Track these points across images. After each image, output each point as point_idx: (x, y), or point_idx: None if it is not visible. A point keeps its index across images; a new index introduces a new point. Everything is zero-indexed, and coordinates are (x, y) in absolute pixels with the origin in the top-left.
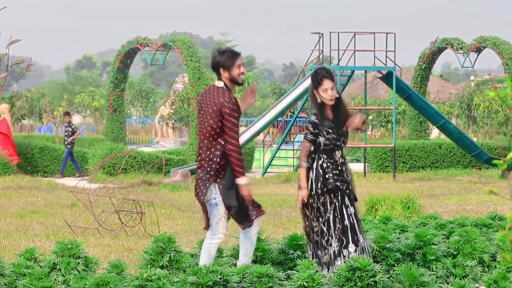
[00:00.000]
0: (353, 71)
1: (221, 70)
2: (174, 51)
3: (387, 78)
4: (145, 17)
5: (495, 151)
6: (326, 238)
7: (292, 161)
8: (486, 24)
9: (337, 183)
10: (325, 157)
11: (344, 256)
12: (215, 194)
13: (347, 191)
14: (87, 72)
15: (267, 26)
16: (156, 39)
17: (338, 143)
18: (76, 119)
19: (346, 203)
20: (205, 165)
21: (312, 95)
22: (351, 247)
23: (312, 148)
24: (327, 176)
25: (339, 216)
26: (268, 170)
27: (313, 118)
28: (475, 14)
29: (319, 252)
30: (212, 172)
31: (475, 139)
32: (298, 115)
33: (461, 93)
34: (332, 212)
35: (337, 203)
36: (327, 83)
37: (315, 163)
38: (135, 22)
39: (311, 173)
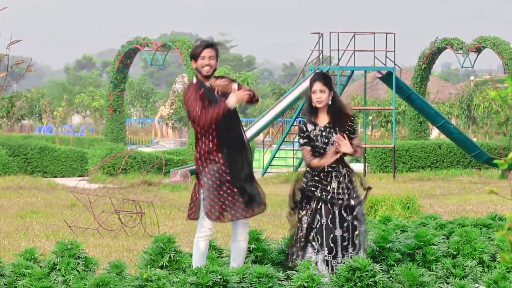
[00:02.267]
0: (353, 71)
1: (192, 62)
2: (173, 51)
3: (387, 78)
4: (145, 17)
5: (495, 151)
6: (301, 244)
7: (292, 161)
8: (486, 24)
9: (312, 189)
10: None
11: (317, 262)
12: (200, 189)
13: (327, 199)
14: (87, 72)
15: (267, 26)
16: (156, 39)
17: (322, 151)
18: (76, 119)
19: (322, 212)
20: (194, 161)
21: (307, 99)
22: (309, 255)
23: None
24: (304, 180)
25: (310, 222)
26: (268, 170)
27: (301, 123)
28: (475, 14)
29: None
30: (197, 168)
31: (475, 139)
32: (298, 115)
33: (461, 93)
34: (306, 217)
35: (308, 209)
36: (316, 85)
37: (305, 171)
38: (135, 22)
39: (298, 179)
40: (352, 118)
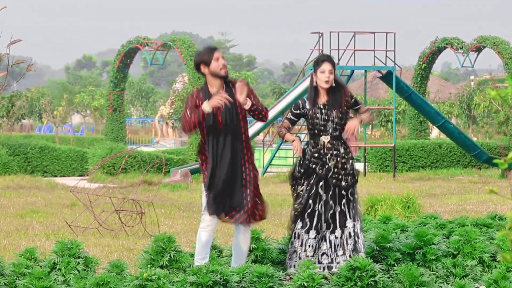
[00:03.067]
0: (353, 71)
1: (202, 67)
2: (174, 50)
3: (387, 77)
4: (145, 17)
5: (495, 151)
6: (295, 218)
7: (292, 161)
8: (486, 24)
9: (313, 166)
10: (311, 141)
11: (302, 240)
12: (203, 184)
13: (327, 177)
14: (87, 72)
15: (267, 26)
16: (156, 39)
17: (323, 128)
18: (76, 118)
19: (320, 190)
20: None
21: (310, 80)
22: (312, 233)
23: (290, 125)
24: (306, 157)
25: (311, 200)
26: (268, 169)
27: (300, 100)
28: (475, 14)
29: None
30: (199, 166)
31: (475, 139)
32: None
33: (461, 93)
34: (306, 194)
35: (309, 186)
36: (326, 65)
37: (304, 149)
38: (135, 22)
39: (300, 158)
40: (351, 94)
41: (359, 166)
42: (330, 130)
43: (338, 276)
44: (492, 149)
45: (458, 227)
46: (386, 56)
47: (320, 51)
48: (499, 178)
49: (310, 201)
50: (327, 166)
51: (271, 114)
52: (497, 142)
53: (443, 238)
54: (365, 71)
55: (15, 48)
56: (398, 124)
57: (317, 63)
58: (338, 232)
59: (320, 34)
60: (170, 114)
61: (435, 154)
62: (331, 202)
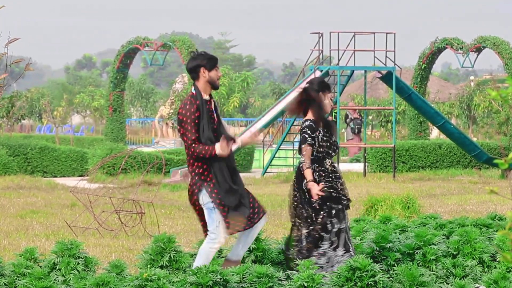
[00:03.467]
0: (353, 71)
1: (202, 70)
2: (174, 51)
3: (387, 78)
4: (145, 17)
5: (495, 151)
6: (316, 239)
7: (292, 161)
8: (486, 24)
9: (329, 190)
10: (316, 165)
11: (329, 257)
12: (209, 197)
13: (339, 198)
14: (87, 72)
15: (267, 26)
16: (156, 39)
17: (330, 151)
18: (76, 119)
19: (338, 208)
20: (191, 170)
21: (318, 99)
22: (340, 250)
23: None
24: (322, 183)
25: (334, 219)
26: (268, 170)
27: (308, 122)
28: (475, 14)
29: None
30: (197, 177)
31: (475, 139)
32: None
33: (461, 93)
34: (325, 216)
35: (329, 209)
36: (330, 94)
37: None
38: (135, 22)
39: (299, 179)
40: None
41: (359, 166)
42: (332, 154)
43: (338, 276)
44: (492, 149)
45: (458, 228)
46: (386, 56)
47: (320, 51)
48: (499, 179)
49: (335, 220)
50: (338, 187)
51: (271, 114)
52: (497, 143)
53: (443, 238)
54: (365, 71)
55: (15, 48)
56: (398, 125)
57: (327, 90)
58: (352, 250)
59: (320, 34)
60: (170, 114)
61: (435, 154)
62: (344, 223)
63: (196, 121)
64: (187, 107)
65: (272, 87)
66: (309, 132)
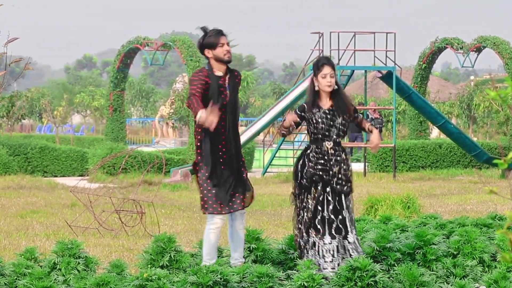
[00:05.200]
0: (353, 71)
1: (206, 51)
2: (174, 51)
3: (387, 78)
4: (145, 17)
5: (495, 151)
6: (306, 226)
7: (292, 161)
8: (486, 24)
9: (319, 173)
10: (314, 146)
11: (318, 246)
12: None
13: (332, 183)
14: (87, 72)
15: (267, 26)
16: (156, 39)
17: (327, 133)
18: (76, 119)
19: (328, 196)
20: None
21: (310, 84)
22: (327, 238)
23: (296, 121)
24: (310, 164)
25: (319, 206)
26: (268, 170)
27: (304, 105)
28: (475, 14)
29: (300, 240)
30: (196, 160)
31: (475, 139)
32: None
33: (461, 93)
34: (312, 201)
35: (316, 193)
36: (326, 69)
37: (304, 153)
38: (135, 22)
39: (299, 162)
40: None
41: (359, 166)
42: (333, 136)
43: (338, 276)
44: (492, 149)
45: (458, 227)
46: (386, 56)
47: (320, 51)
48: (499, 178)
49: (319, 207)
50: (331, 172)
51: (271, 114)
52: (497, 142)
53: (443, 238)
54: (365, 71)
55: (15, 48)
56: (398, 124)
57: (317, 67)
58: (351, 237)
59: (320, 34)
60: (170, 114)
61: (435, 154)
62: (339, 208)
63: (202, 85)
64: (196, 73)
65: (273, 87)
66: (297, 109)
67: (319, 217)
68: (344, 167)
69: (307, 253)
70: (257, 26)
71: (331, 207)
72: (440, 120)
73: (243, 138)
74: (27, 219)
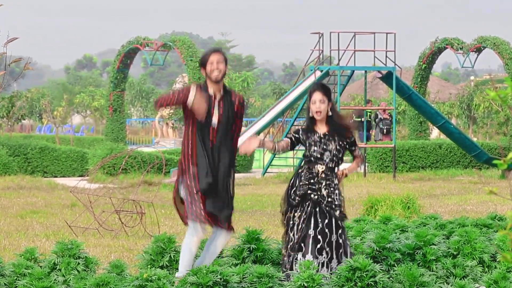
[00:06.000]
0: (353, 71)
1: (201, 70)
2: (174, 51)
3: (387, 78)
4: (145, 17)
5: (495, 151)
6: (292, 245)
7: (292, 161)
8: (486, 24)
9: (308, 191)
10: (306, 167)
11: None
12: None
13: (322, 204)
14: (87, 72)
15: (267, 26)
16: (156, 39)
17: (319, 156)
18: (76, 119)
19: (316, 216)
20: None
21: (307, 109)
22: (309, 257)
23: (289, 146)
24: (300, 183)
25: (304, 225)
26: (268, 170)
27: (299, 127)
28: (475, 14)
29: (286, 259)
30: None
31: (475, 139)
32: (299, 115)
33: (461, 93)
34: (299, 220)
35: (304, 212)
36: (316, 95)
37: (296, 174)
38: (135, 22)
39: (291, 181)
40: (352, 130)
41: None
42: (326, 160)
43: (338, 276)
44: (492, 149)
45: (458, 228)
46: (386, 56)
47: (320, 51)
48: (499, 179)
49: (304, 225)
50: (320, 194)
51: (271, 114)
52: (497, 143)
53: (443, 239)
54: (365, 71)
55: (15, 48)
56: (398, 125)
57: (309, 93)
58: (334, 262)
59: (320, 35)
60: (170, 114)
61: (435, 154)
62: (326, 230)
63: (184, 96)
64: (191, 85)
65: (273, 87)
66: (293, 133)
67: (305, 235)
68: (336, 192)
69: (292, 270)
70: (257, 26)
71: (319, 228)
72: (440, 121)
73: (243, 138)
74: (27, 219)
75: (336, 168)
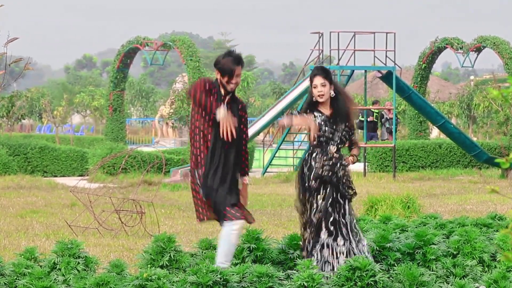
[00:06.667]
0: (353, 71)
1: (217, 71)
2: (174, 50)
3: (387, 77)
4: (145, 17)
5: (495, 151)
6: (316, 228)
7: (292, 160)
8: (486, 24)
9: (329, 174)
10: (319, 149)
11: (332, 248)
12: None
13: (339, 186)
14: (87, 72)
15: (267, 26)
16: (156, 39)
17: (331, 136)
18: (76, 118)
19: (337, 198)
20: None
21: (309, 97)
22: (340, 240)
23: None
24: (317, 166)
25: (330, 208)
26: (268, 169)
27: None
28: (475, 14)
29: (308, 245)
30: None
31: (475, 139)
32: None
33: (461, 93)
34: (322, 201)
35: (326, 195)
36: (316, 80)
37: (309, 157)
38: (135, 22)
39: (305, 167)
40: (353, 115)
41: (359, 166)
42: (337, 140)
43: (338, 276)
44: (492, 149)
45: (458, 227)
46: (386, 56)
47: (320, 51)
48: (499, 178)
49: (330, 209)
50: (338, 176)
51: (271, 113)
52: (497, 142)
53: (443, 238)
54: (365, 71)
55: (15, 48)
56: (398, 124)
57: (310, 78)
58: (364, 240)
59: (320, 34)
60: (170, 114)
61: (435, 154)
62: (344, 212)
63: (207, 88)
64: (204, 79)
65: (273, 87)
66: (298, 111)
67: (331, 219)
68: (347, 173)
69: (316, 255)
70: (257, 26)
71: (342, 210)
72: (440, 120)
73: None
74: (27, 219)
75: (341, 150)
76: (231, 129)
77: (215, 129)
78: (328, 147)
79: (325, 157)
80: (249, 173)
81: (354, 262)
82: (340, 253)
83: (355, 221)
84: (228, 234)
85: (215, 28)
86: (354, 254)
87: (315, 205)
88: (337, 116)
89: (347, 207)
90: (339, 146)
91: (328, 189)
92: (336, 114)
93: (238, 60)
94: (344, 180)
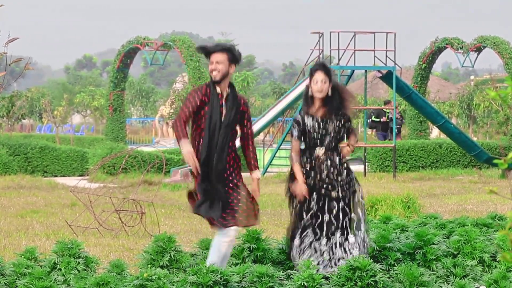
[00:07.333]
0: (353, 71)
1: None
2: (174, 50)
3: (387, 77)
4: (145, 17)
5: (495, 151)
6: (304, 227)
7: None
8: (486, 24)
9: (309, 179)
10: (306, 152)
11: (315, 247)
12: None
13: (319, 188)
14: (87, 72)
15: (267, 26)
16: (156, 39)
17: (319, 141)
18: (76, 118)
19: (312, 201)
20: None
21: (306, 89)
22: (323, 240)
23: (302, 146)
24: (303, 170)
25: (319, 212)
26: (268, 169)
27: (298, 117)
28: (475, 14)
29: (293, 242)
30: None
31: (475, 139)
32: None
33: (461, 93)
34: (312, 202)
35: (314, 197)
36: (318, 75)
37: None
38: (136, 22)
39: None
40: (349, 106)
41: (359, 166)
42: (326, 142)
43: (338, 276)
44: (492, 149)
45: (458, 227)
46: (386, 56)
47: (320, 51)
48: (499, 178)
49: (319, 213)
50: (319, 177)
51: (271, 113)
52: (497, 142)
53: (443, 238)
54: (365, 71)
55: (16, 48)
56: (402, 124)
57: (311, 72)
58: (323, 240)
59: (320, 34)
60: (170, 114)
61: (435, 154)
62: (318, 213)
63: (194, 107)
64: (195, 90)
65: (273, 87)
66: (297, 126)
67: (318, 221)
68: (336, 170)
69: (303, 253)
70: (257, 26)
71: (312, 212)
72: (440, 120)
73: None
74: (27, 219)
75: (338, 146)
76: (195, 166)
77: (207, 128)
78: (315, 150)
79: (308, 160)
80: (258, 168)
81: (354, 262)
82: (324, 252)
83: (360, 216)
84: (219, 244)
85: (215, 28)
86: (345, 251)
87: (305, 205)
88: (330, 116)
89: (351, 204)
90: (330, 146)
91: (315, 192)
92: (330, 113)
93: (212, 48)
94: (327, 180)
